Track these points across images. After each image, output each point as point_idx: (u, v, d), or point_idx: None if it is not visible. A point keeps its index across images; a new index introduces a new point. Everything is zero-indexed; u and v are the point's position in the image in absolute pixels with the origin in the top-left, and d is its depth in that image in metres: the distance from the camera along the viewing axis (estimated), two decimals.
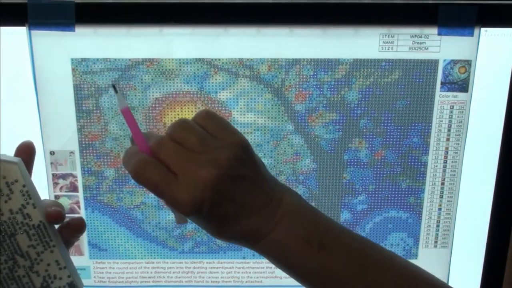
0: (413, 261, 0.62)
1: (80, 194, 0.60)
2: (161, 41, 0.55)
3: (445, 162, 0.59)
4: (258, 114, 0.58)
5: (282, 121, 0.58)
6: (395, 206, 0.61)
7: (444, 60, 0.56)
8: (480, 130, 0.58)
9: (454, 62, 0.56)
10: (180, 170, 0.34)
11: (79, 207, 0.60)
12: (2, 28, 0.54)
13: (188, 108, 0.57)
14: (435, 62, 0.56)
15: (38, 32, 0.54)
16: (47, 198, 0.59)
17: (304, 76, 0.56)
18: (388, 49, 0.55)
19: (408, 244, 0.62)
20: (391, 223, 0.61)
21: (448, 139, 0.58)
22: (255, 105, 0.57)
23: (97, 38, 0.55)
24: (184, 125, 0.35)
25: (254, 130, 0.58)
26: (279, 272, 0.61)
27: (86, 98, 0.57)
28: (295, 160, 0.59)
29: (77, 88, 0.56)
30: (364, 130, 0.58)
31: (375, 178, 0.60)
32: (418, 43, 0.55)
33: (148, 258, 0.63)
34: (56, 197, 0.60)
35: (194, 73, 0.56)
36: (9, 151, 0.38)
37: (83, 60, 0.55)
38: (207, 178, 0.33)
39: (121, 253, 0.62)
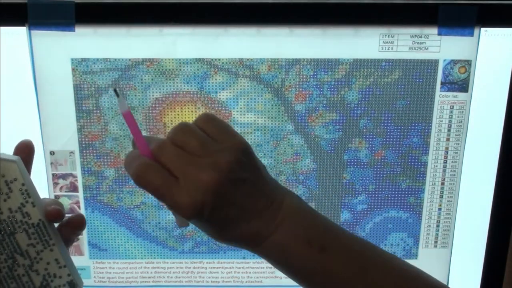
0: (413, 261, 0.62)
1: (80, 194, 0.60)
2: (161, 41, 0.55)
3: (445, 162, 0.59)
4: (258, 114, 0.58)
5: (282, 121, 0.58)
6: (395, 206, 0.61)
7: (444, 60, 0.56)
8: (480, 130, 0.58)
9: (454, 62, 0.56)
10: (181, 173, 0.34)
11: (79, 207, 0.60)
12: (2, 28, 0.54)
13: (188, 108, 0.57)
14: (435, 62, 0.56)
15: (38, 32, 0.54)
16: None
17: (304, 76, 0.56)
18: (388, 49, 0.55)
19: (408, 244, 0.62)
20: (391, 223, 0.61)
21: (448, 139, 0.58)
22: (255, 105, 0.57)
23: (97, 38, 0.55)
24: (185, 128, 0.36)
25: (254, 130, 0.58)
26: (279, 272, 0.61)
27: (86, 98, 0.57)
28: (295, 160, 0.59)
29: (77, 88, 0.56)
30: (364, 130, 0.58)
31: (375, 178, 0.60)
32: (418, 43, 0.55)
33: (148, 258, 0.63)
34: (56, 197, 0.60)
35: (194, 73, 0.56)
36: (9, 151, 0.38)
37: (83, 60, 0.55)
38: (208, 181, 0.33)
39: (121, 253, 0.62)
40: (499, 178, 0.59)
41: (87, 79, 0.56)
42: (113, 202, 0.60)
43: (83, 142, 0.58)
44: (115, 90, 0.36)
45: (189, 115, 0.58)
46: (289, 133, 0.58)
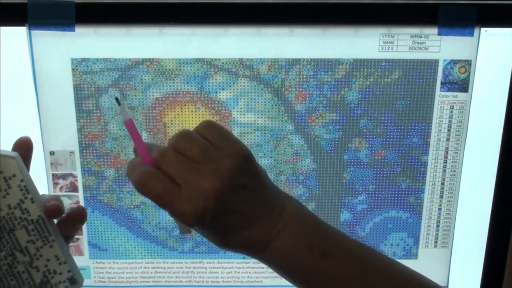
0: (413, 261, 0.63)
1: (80, 194, 0.60)
2: (161, 41, 0.55)
3: (445, 162, 0.59)
4: (258, 114, 0.58)
5: (282, 121, 0.58)
6: (395, 206, 0.61)
7: (444, 60, 0.56)
8: (480, 130, 0.58)
9: (454, 62, 0.56)
10: (183, 181, 0.34)
11: None
12: (2, 28, 0.54)
13: (188, 108, 0.57)
14: (435, 62, 0.56)
15: (38, 32, 0.54)
16: None
17: (304, 76, 0.56)
18: (388, 49, 0.55)
19: (408, 244, 0.62)
20: (391, 223, 0.61)
21: (448, 139, 0.58)
22: (255, 105, 0.57)
23: (97, 38, 0.55)
24: (187, 136, 0.36)
25: (254, 130, 0.58)
26: None
27: (86, 98, 0.57)
28: (295, 160, 0.59)
29: (77, 88, 0.56)
30: (364, 130, 0.58)
31: (375, 178, 0.60)
32: (418, 43, 0.55)
33: (148, 258, 0.63)
34: None
35: (194, 73, 0.56)
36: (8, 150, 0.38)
37: (83, 60, 0.55)
38: (210, 188, 0.34)
39: (121, 253, 0.62)
40: (499, 178, 0.59)
41: (87, 79, 0.56)
42: (113, 202, 0.60)
43: (83, 142, 0.58)
44: (116, 99, 0.37)
45: (189, 115, 0.58)
46: (289, 133, 0.58)
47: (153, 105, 0.57)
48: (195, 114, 0.58)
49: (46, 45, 0.55)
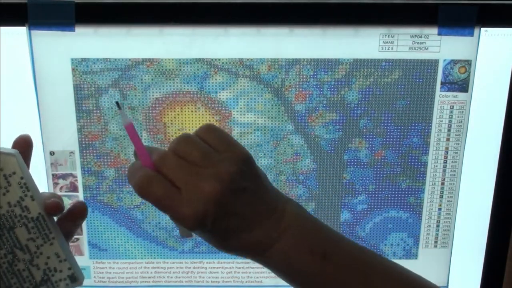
0: (413, 261, 0.63)
1: (80, 194, 0.60)
2: (161, 41, 0.55)
3: (445, 162, 0.59)
4: (258, 114, 0.58)
5: (282, 121, 0.58)
6: (395, 206, 0.61)
7: (444, 60, 0.56)
8: (480, 130, 0.58)
9: (454, 62, 0.56)
10: (183, 184, 0.34)
11: None
12: (2, 28, 0.54)
13: (188, 108, 0.57)
14: (435, 62, 0.56)
15: (38, 32, 0.54)
16: None
17: (304, 76, 0.56)
18: (388, 49, 0.55)
19: (408, 244, 0.62)
20: (391, 223, 0.61)
21: (448, 139, 0.58)
22: (255, 105, 0.57)
23: (97, 38, 0.55)
24: (187, 139, 0.36)
25: (254, 130, 0.58)
26: None
27: (86, 98, 0.57)
28: (295, 160, 0.59)
29: (77, 88, 0.56)
30: (364, 130, 0.58)
31: (375, 178, 0.60)
32: (418, 43, 0.55)
33: (148, 258, 0.63)
34: None
35: (194, 73, 0.56)
36: None
37: (83, 60, 0.55)
38: (210, 192, 0.34)
39: (121, 253, 0.62)
40: (499, 178, 0.59)
41: (87, 79, 0.56)
42: (113, 202, 0.60)
43: (83, 142, 0.58)
44: (117, 103, 0.37)
45: (189, 115, 0.58)
46: (289, 133, 0.58)
47: (153, 105, 0.57)
48: (195, 114, 0.58)
49: (46, 45, 0.55)
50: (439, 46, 0.55)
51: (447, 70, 0.56)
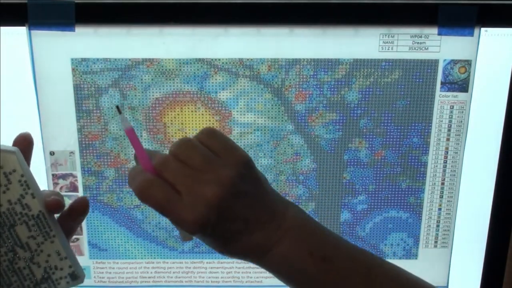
0: (413, 261, 0.63)
1: (80, 194, 0.60)
2: (161, 41, 0.55)
3: (445, 162, 0.59)
4: (258, 114, 0.58)
5: (282, 121, 0.58)
6: (395, 206, 0.61)
7: (444, 60, 0.56)
8: (480, 130, 0.58)
9: (454, 62, 0.56)
10: (184, 189, 0.34)
11: None
12: (2, 28, 0.54)
13: (188, 108, 0.57)
14: (435, 62, 0.56)
15: (38, 32, 0.54)
16: None
17: (304, 76, 0.56)
18: (388, 49, 0.55)
19: (408, 244, 0.62)
20: (391, 223, 0.61)
21: (448, 139, 0.58)
22: (255, 105, 0.57)
23: (97, 38, 0.55)
24: (188, 144, 0.36)
25: (254, 130, 0.58)
26: None
27: (86, 98, 0.57)
28: (295, 160, 0.59)
29: (77, 88, 0.56)
30: (364, 130, 0.58)
31: (375, 178, 0.60)
32: (418, 43, 0.55)
33: (148, 258, 0.63)
34: None
35: (194, 73, 0.56)
36: None
37: (83, 60, 0.55)
38: (211, 197, 0.34)
39: (121, 253, 0.62)
40: (499, 178, 0.59)
41: (87, 79, 0.56)
42: (113, 202, 0.60)
43: (83, 142, 0.58)
44: (117, 107, 0.37)
45: (189, 115, 0.58)
46: (289, 133, 0.58)
47: (153, 105, 0.57)
48: (195, 114, 0.58)
49: (46, 45, 0.55)
50: (439, 46, 0.55)
51: (447, 70, 0.56)
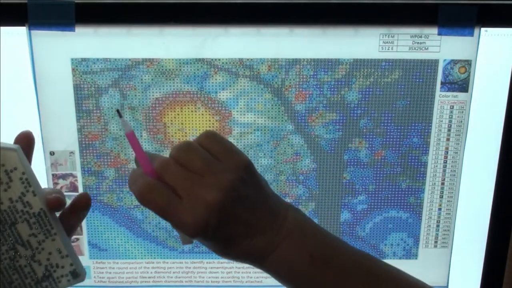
0: (413, 261, 0.62)
1: None
2: (161, 41, 0.55)
3: (445, 162, 0.59)
4: (258, 114, 0.58)
5: (282, 121, 0.58)
6: (395, 206, 0.61)
7: (444, 60, 0.56)
8: (480, 130, 0.58)
9: (454, 62, 0.56)
10: (185, 193, 0.34)
11: None
12: (2, 28, 0.54)
13: (188, 108, 0.57)
14: (435, 62, 0.56)
15: (38, 32, 0.54)
16: None
17: (304, 76, 0.56)
18: (388, 49, 0.55)
19: (408, 244, 0.62)
20: (391, 223, 0.61)
21: (448, 139, 0.58)
22: (255, 105, 0.57)
23: (97, 38, 0.55)
24: (188, 147, 0.36)
25: (254, 130, 0.58)
26: None
27: (86, 98, 0.57)
28: (295, 160, 0.59)
29: (77, 88, 0.56)
30: (364, 130, 0.58)
31: (375, 178, 0.60)
32: (418, 43, 0.55)
33: (148, 258, 0.63)
34: None
35: (194, 73, 0.56)
36: None
37: (83, 60, 0.55)
38: (212, 201, 0.34)
39: (121, 253, 0.62)
40: (499, 178, 0.59)
41: (87, 79, 0.56)
42: (113, 202, 0.60)
43: (83, 142, 0.58)
44: (118, 111, 0.37)
45: (189, 115, 0.58)
46: (289, 133, 0.58)
47: (153, 105, 0.57)
48: (195, 114, 0.58)
49: (46, 45, 0.55)
50: (439, 46, 0.55)
51: (447, 70, 0.56)
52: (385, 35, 0.55)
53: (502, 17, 0.54)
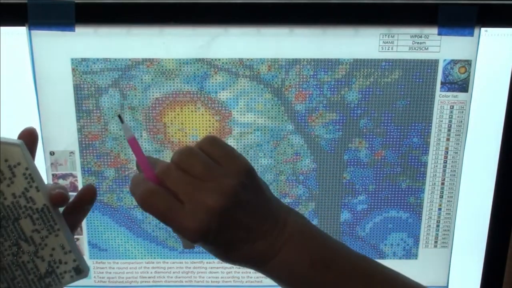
0: (413, 261, 0.62)
1: None
2: (161, 41, 0.55)
3: (445, 162, 0.59)
4: (258, 114, 0.58)
5: (282, 121, 0.58)
6: (395, 206, 0.61)
7: (444, 60, 0.56)
8: (480, 130, 0.58)
9: (454, 62, 0.56)
10: (186, 198, 0.34)
11: None
12: (2, 28, 0.54)
13: (188, 108, 0.57)
14: (435, 62, 0.56)
15: (38, 32, 0.54)
16: None
17: (304, 76, 0.56)
18: (388, 49, 0.55)
19: (408, 244, 0.62)
20: (391, 223, 0.61)
21: (448, 139, 0.58)
22: (255, 105, 0.57)
23: (97, 38, 0.55)
24: (189, 152, 0.36)
25: (254, 130, 0.58)
26: None
27: (86, 98, 0.57)
28: (295, 160, 0.59)
29: (77, 88, 0.56)
30: (364, 130, 0.58)
31: (375, 178, 0.60)
32: (418, 43, 0.55)
33: (148, 258, 0.63)
34: None
35: (194, 73, 0.56)
36: None
37: (83, 60, 0.55)
38: (213, 206, 0.34)
39: (121, 253, 0.62)
40: (499, 178, 0.59)
41: (87, 79, 0.56)
42: (113, 202, 0.60)
43: (83, 142, 0.58)
44: (119, 117, 0.37)
45: (189, 115, 0.58)
46: (289, 133, 0.58)
47: (153, 105, 0.57)
48: (195, 114, 0.58)
49: (46, 45, 0.55)
50: (439, 46, 0.55)
51: (447, 70, 0.56)
52: (385, 35, 0.55)
53: (502, 17, 0.54)
